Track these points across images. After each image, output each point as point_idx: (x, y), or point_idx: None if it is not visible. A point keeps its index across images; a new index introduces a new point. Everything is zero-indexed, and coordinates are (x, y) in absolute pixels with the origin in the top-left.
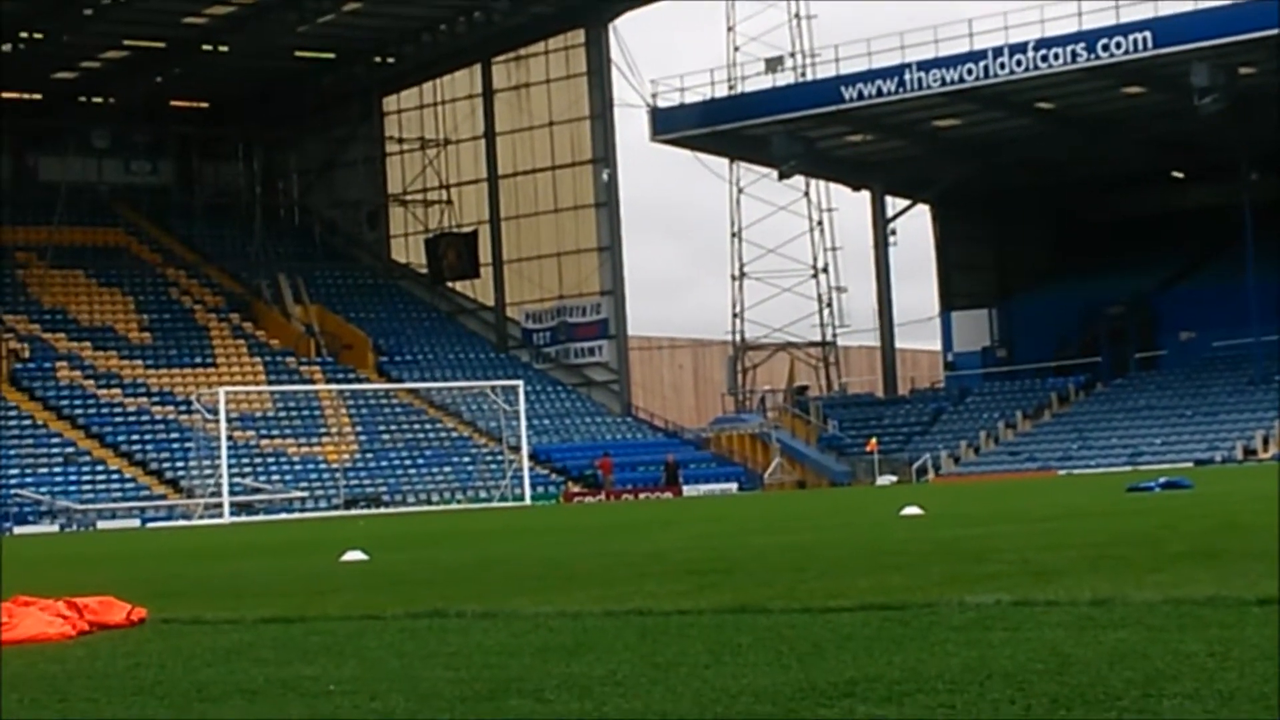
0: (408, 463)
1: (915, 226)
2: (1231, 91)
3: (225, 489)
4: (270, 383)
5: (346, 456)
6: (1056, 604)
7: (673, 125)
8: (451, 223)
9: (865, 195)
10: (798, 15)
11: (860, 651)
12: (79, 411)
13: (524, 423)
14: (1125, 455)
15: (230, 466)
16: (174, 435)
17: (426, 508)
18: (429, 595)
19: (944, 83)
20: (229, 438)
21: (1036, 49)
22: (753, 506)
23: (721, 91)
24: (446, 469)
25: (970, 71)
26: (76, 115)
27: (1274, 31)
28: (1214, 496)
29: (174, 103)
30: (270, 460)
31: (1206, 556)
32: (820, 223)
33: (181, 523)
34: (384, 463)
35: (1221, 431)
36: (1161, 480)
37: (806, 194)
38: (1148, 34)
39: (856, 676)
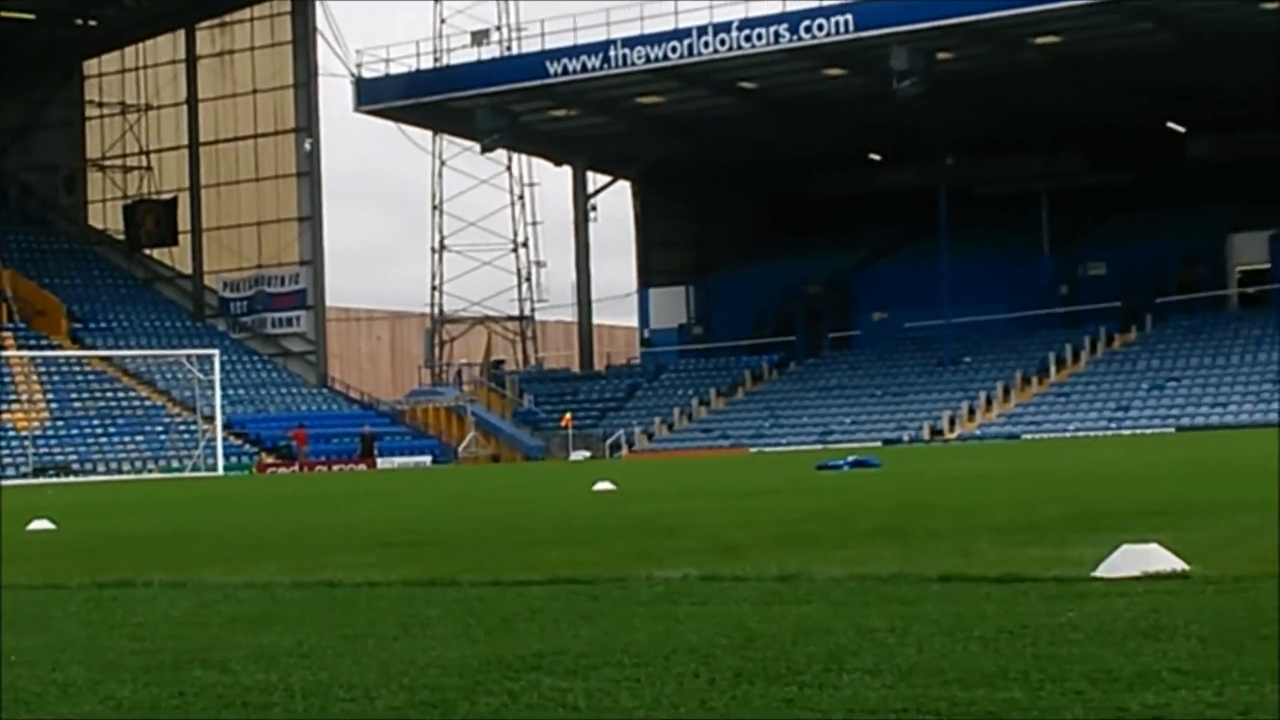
0: (99, 431)
1: (617, 203)
2: (930, 76)
3: None
4: None
5: (36, 424)
6: (744, 579)
7: (377, 96)
8: (151, 189)
9: (567, 170)
10: None
11: (549, 625)
12: None
13: (219, 392)
14: (816, 434)
15: None
16: None
17: (117, 477)
18: (117, 565)
19: (649, 60)
20: None
21: (740, 29)
22: (446, 480)
23: (427, 63)
24: (139, 438)
25: (675, 49)
26: None
27: (972, 18)
28: (901, 476)
29: None
30: None
31: (892, 534)
32: (521, 197)
33: None
34: (75, 431)
35: (910, 412)
36: (850, 459)
37: (509, 168)
38: (849, 17)
39: (544, 649)
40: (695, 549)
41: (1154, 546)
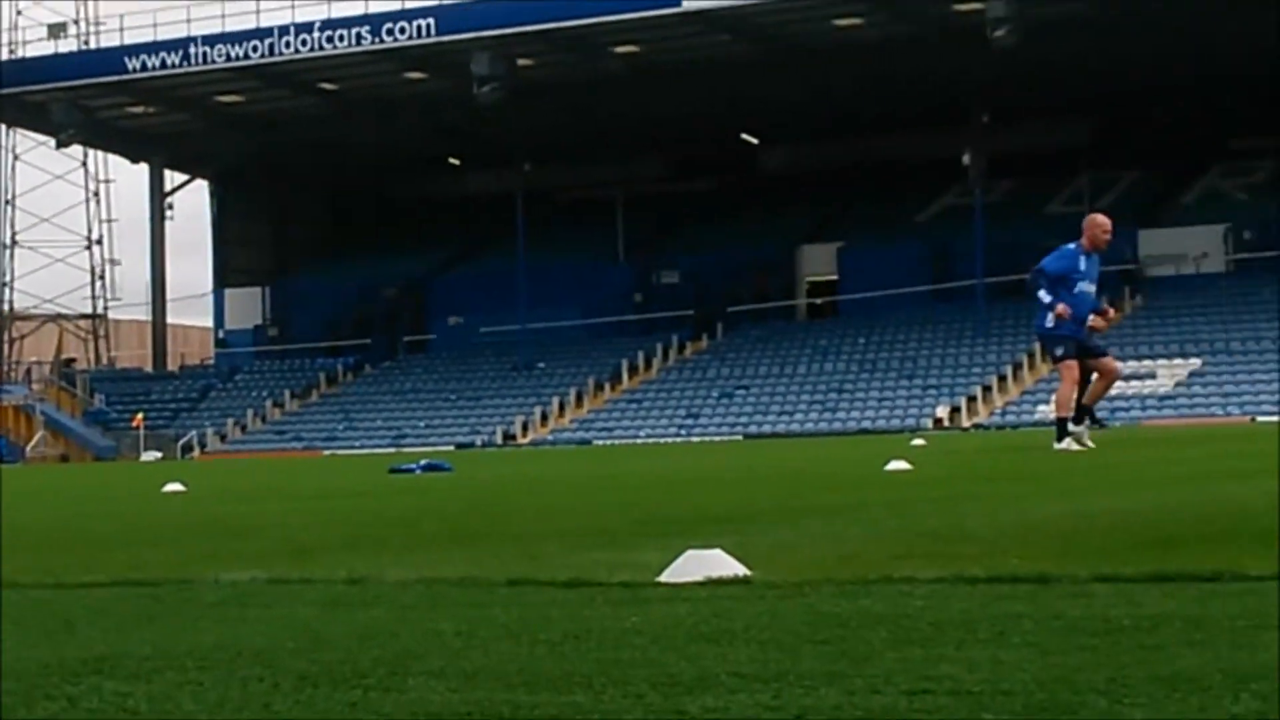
0: None
1: (194, 201)
2: (511, 82)
3: None
4: None
5: None
6: (312, 582)
7: None
8: None
9: (144, 168)
10: None
11: (111, 628)
12: None
13: None
14: (390, 437)
15: None
16: None
17: None
18: None
19: (229, 58)
20: None
21: (322, 29)
22: (12, 480)
23: (1, 55)
24: None
25: (256, 48)
26: None
27: (553, 25)
28: (473, 479)
29: None
30: None
31: (461, 538)
32: (96, 194)
33: None
34: None
35: (484, 416)
36: (423, 462)
37: (84, 164)
38: (431, 20)
39: (106, 653)
40: (264, 551)
41: (717, 552)
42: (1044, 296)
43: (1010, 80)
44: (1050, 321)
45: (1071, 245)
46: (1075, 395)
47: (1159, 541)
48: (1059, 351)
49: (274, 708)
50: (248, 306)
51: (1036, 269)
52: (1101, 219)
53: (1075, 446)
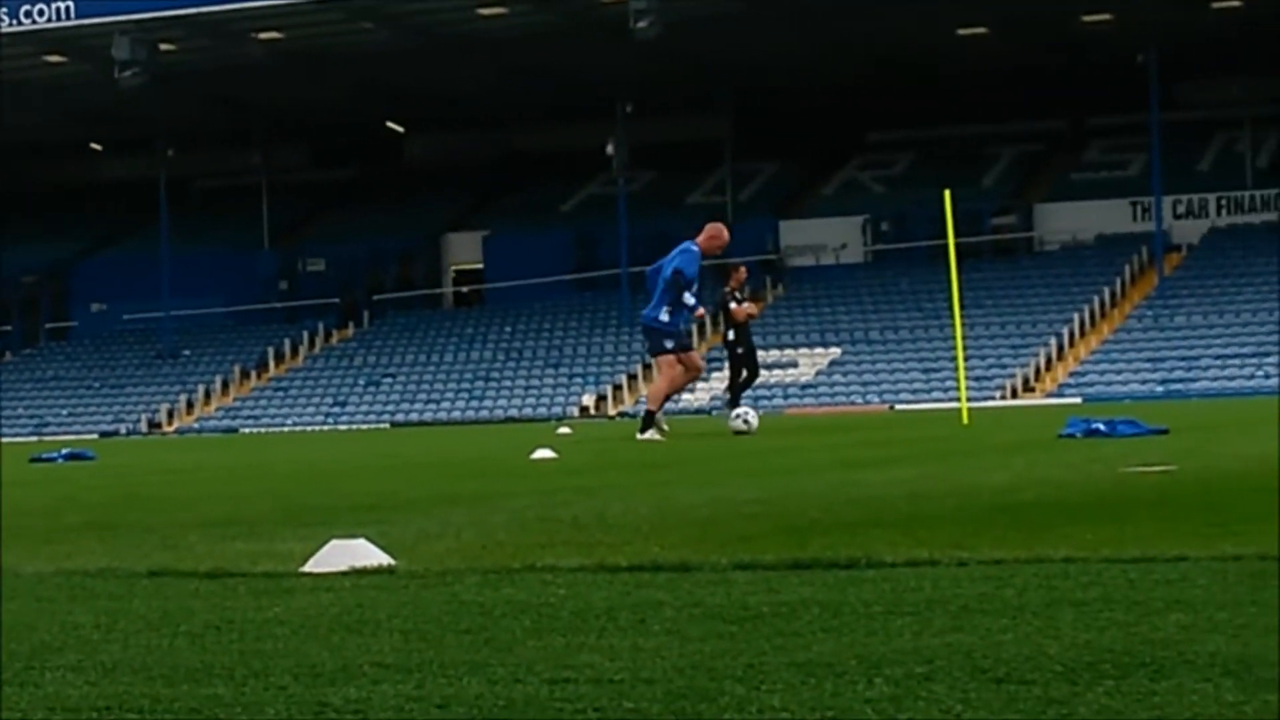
0: None
1: None
2: (152, 66)
3: None
4: None
5: None
6: None
7: None
8: None
9: None
10: None
11: None
12: None
13: None
14: (31, 425)
15: None
16: None
17: None
18: None
19: None
20: None
21: None
22: None
23: None
24: None
25: None
26: None
27: (193, 10)
28: (116, 469)
29: None
30: None
31: (102, 528)
32: None
33: None
34: None
35: (128, 404)
36: (65, 451)
37: None
38: (70, 3)
39: None
40: None
41: (361, 542)
42: (689, 299)
43: (653, 72)
44: (665, 316)
45: (694, 247)
46: (670, 391)
47: (798, 529)
48: (668, 345)
49: None
50: None
51: (685, 279)
52: (725, 234)
53: (658, 436)
